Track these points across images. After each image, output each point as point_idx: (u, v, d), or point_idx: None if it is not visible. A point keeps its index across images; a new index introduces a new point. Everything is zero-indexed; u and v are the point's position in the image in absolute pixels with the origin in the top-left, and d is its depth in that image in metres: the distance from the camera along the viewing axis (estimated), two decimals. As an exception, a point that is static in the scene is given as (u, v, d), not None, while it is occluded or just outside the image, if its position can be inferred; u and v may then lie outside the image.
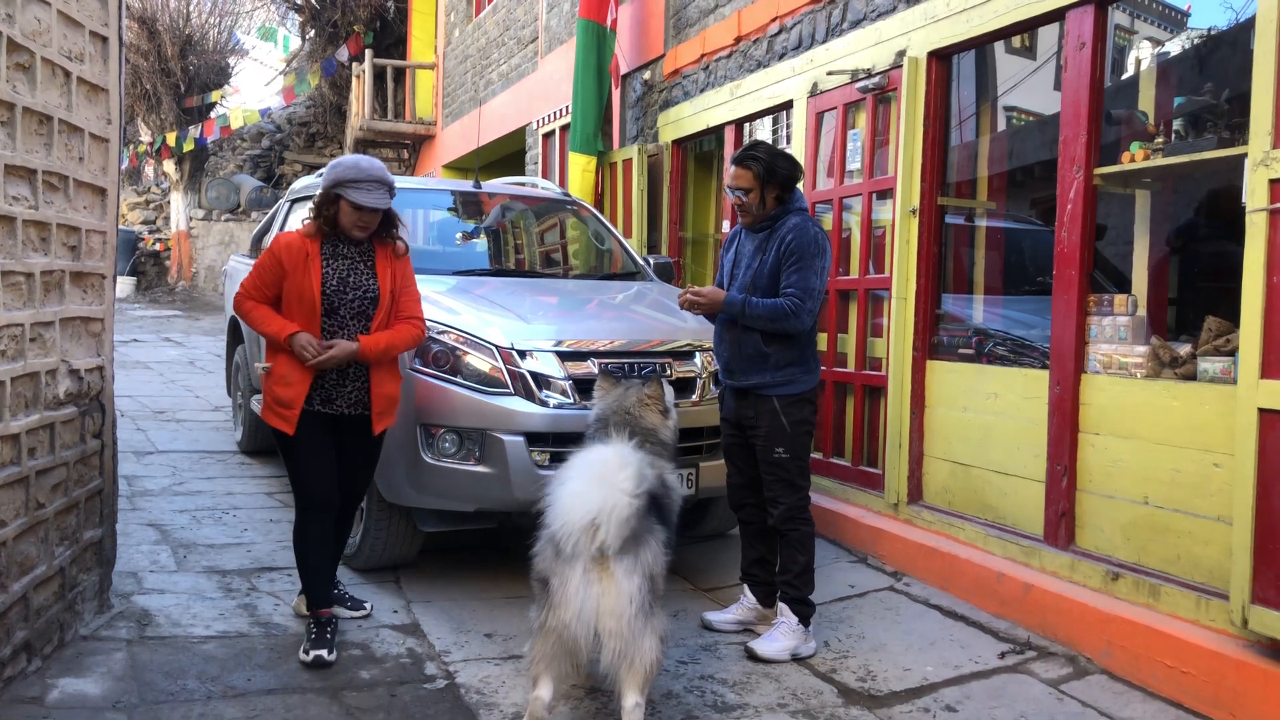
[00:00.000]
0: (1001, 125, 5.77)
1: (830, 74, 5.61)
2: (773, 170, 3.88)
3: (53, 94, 3.36)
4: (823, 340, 5.64)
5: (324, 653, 3.59)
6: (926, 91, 4.97)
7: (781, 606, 3.90)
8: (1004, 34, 4.71)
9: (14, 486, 3.18)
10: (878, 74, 5.27)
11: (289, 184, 19.26)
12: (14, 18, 3.06)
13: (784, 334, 3.85)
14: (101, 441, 3.86)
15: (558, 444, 4.24)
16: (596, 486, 3.00)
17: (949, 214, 5.21)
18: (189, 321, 16.55)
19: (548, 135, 10.63)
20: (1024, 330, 4.93)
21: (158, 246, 21.76)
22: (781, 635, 3.84)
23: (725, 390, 4.14)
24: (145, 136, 21.03)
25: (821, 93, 5.78)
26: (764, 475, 3.92)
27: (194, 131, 19.55)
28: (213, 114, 20.82)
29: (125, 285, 19.70)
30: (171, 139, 19.72)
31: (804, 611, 3.88)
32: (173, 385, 10.08)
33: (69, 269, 3.52)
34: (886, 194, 5.30)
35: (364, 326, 3.73)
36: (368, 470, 3.96)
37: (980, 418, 4.65)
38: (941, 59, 4.97)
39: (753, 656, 3.79)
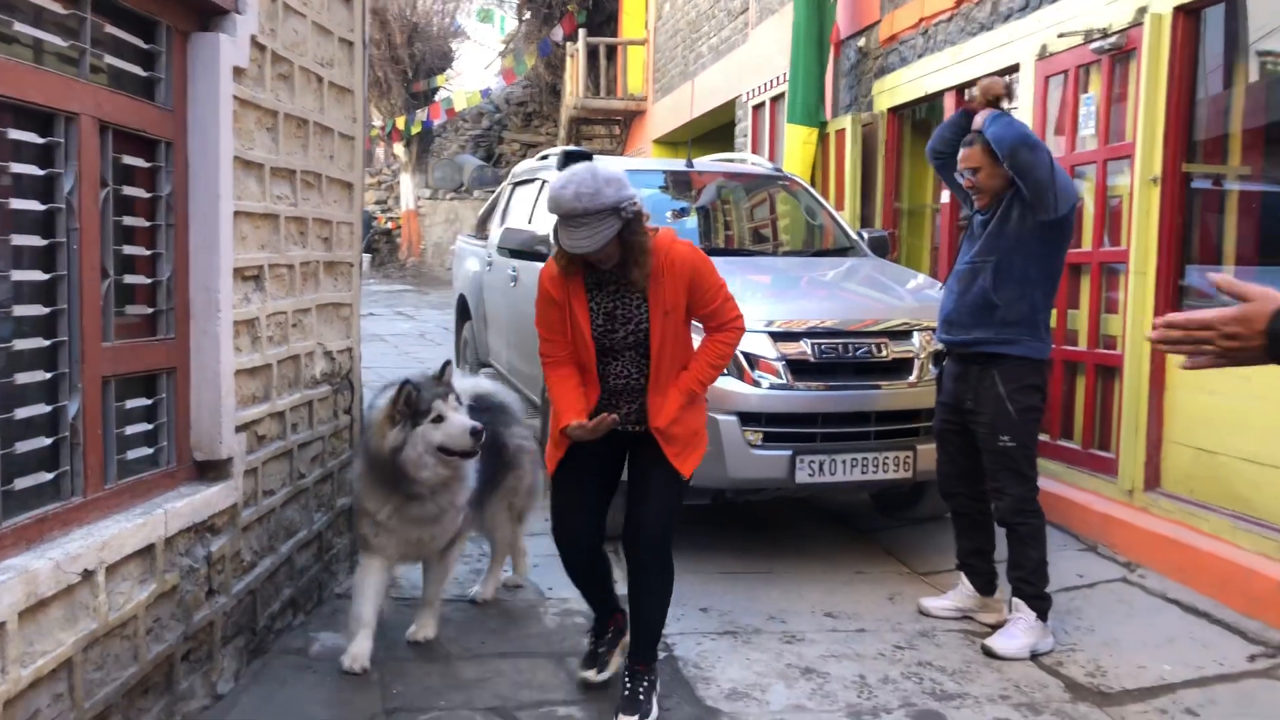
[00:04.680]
0: (1255, 74, 5.26)
1: (1061, 35, 5.30)
2: None
3: (308, 99, 3.66)
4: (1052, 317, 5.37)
5: (590, 674, 3.34)
6: (1171, 50, 4.61)
7: (1017, 602, 3.76)
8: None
9: (281, 459, 3.53)
10: (1115, 33, 4.92)
11: (508, 162, 20.08)
12: (276, 32, 3.35)
13: (1032, 175, 3.58)
14: (351, 417, 4.21)
15: (770, 424, 4.27)
16: None
17: (1195, 178, 4.83)
18: (419, 296, 17.59)
19: (758, 107, 10.57)
20: (1282, 306, 4.51)
21: (390, 225, 23.22)
22: (1021, 632, 3.71)
23: (944, 370, 4.02)
24: (377, 121, 22.42)
25: (1051, 55, 5.46)
26: (987, 465, 3.78)
27: (421, 115, 20.69)
28: (437, 97, 21.94)
29: (363, 262, 21.18)
30: (401, 123, 20.95)
31: (1041, 606, 3.73)
32: (406, 357, 10.76)
33: (322, 259, 3.85)
34: (1123, 160, 4.97)
35: (642, 360, 3.13)
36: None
37: (1230, 401, 4.31)
38: (1189, 13, 4.59)
39: (990, 653, 3.67)
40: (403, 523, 3.39)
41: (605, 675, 3.33)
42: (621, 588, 3.38)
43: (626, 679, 3.18)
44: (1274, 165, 5.27)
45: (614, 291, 3.10)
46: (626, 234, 2.95)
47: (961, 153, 3.84)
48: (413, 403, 3.23)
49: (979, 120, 3.73)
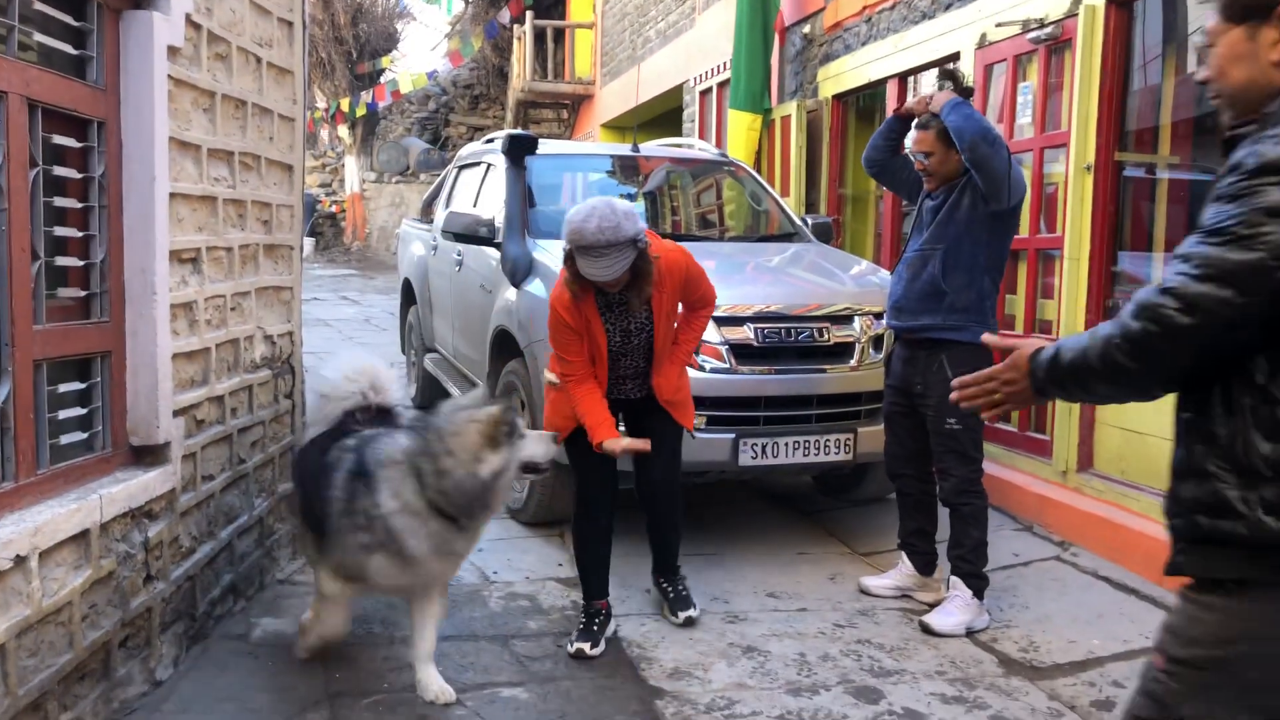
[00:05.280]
0: (1192, 65, 5.40)
1: (1000, 25, 5.39)
2: None
3: (246, 80, 3.61)
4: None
5: (585, 645, 3.48)
6: (1104, 41, 4.72)
7: (954, 580, 3.85)
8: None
9: (220, 443, 3.49)
10: (1051, 24, 5.02)
11: (455, 146, 19.89)
12: (212, 11, 3.30)
13: (987, 167, 3.60)
14: (292, 401, 4.17)
15: (714, 408, 4.30)
16: None
17: (1128, 167, 4.95)
18: (364, 280, 17.39)
19: (705, 92, 10.59)
20: (1208, 292, 4.64)
21: (334, 209, 22.90)
22: (957, 609, 3.80)
23: (893, 353, 4.09)
24: (321, 103, 22.08)
25: (990, 44, 5.56)
26: (934, 446, 3.86)
27: (366, 97, 20.39)
28: (382, 79, 21.65)
29: (305, 246, 20.86)
30: (345, 104, 20.64)
31: (978, 585, 3.83)
32: (351, 342, 10.65)
33: (262, 242, 3.80)
34: (1059, 149, 5.08)
35: (648, 353, 3.54)
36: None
37: (1157, 384, 4.44)
38: (1121, 6, 4.70)
39: (927, 630, 3.76)
40: (439, 557, 3.04)
41: (599, 650, 3.52)
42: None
43: (668, 586, 3.83)
44: (1203, 154, 5.42)
45: (624, 310, 3.45)
46: (639, 262, 3.28)
47: (915, 135, 3.87)
48: (512, 423, 3.04)
49: (938, 103, 3.75)
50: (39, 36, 2.59)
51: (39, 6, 2.58)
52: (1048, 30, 5.04)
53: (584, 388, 3.42)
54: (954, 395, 1.87)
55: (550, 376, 3.56)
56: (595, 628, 3.57)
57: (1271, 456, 1.50)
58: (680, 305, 3.57)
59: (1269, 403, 1.52)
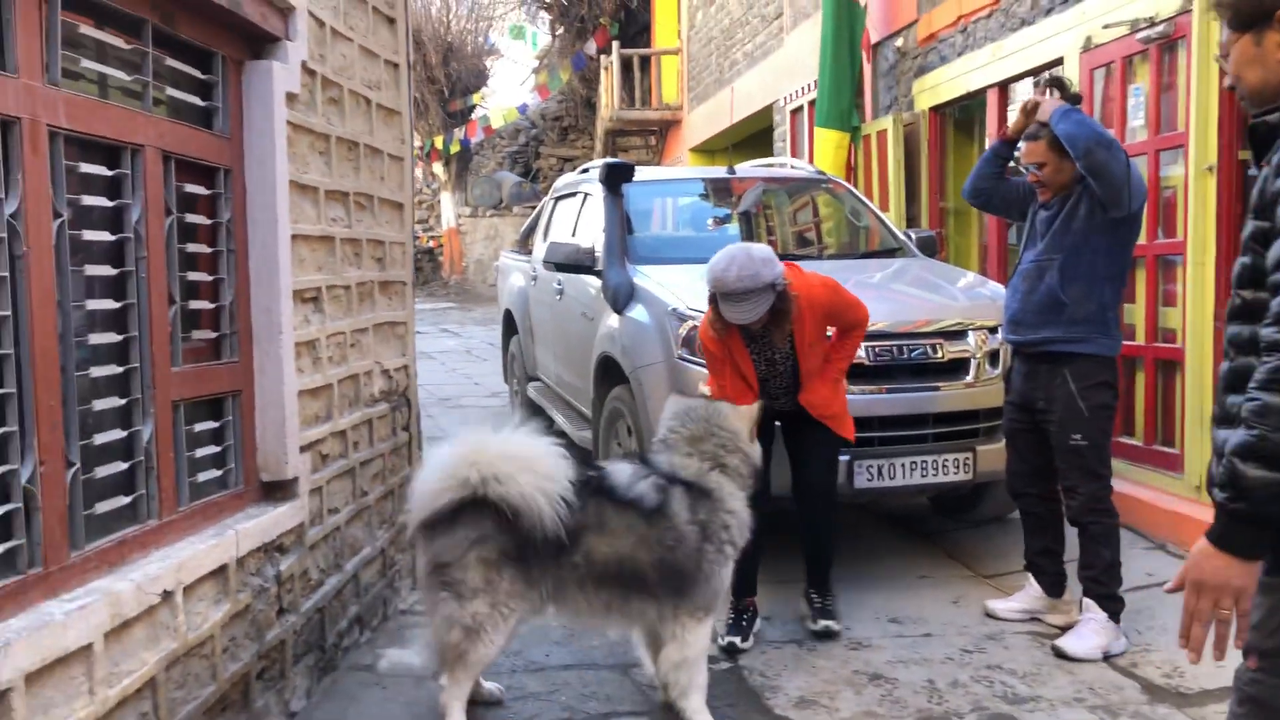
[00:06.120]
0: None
1: (1106, 27, 5.23)
2: None
3: (357, 121, 3.71)
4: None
5: (737, 639, 3.71)
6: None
7: (1088, 603, 3.69)
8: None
9: (343, 477, 3.56)
10: (1161, 22, 4.85)
11: (546, 178, 20.18)
12: (325, 57, 3.40)
13: (1105, 174, 3.48)
14: (409, 433, 4.24)
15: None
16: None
17: (1251, 166, 4.74)
18: (463, 313, 17.72)
19: (795, 111, 10.55)
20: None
21: (431, 244, 23.42)
22: (1092, 633, 3.64)
23: (1013, 369, 3.96)
24: (416, 141, 22.64)
25: (1096, 47, 5.39)
26: (1059, 464, 3.72)
27: (458, 134, 20.88)
28: (474, 115, 22.13)
29: (404, 281, 21.34)
30: (439, 142, 21.16)
31: (1113, 607, 3.66)
32: (454, 373, 10.85)
33: (377, 279, 3.89)
34: (1176, 150, 4.89)
35: (795, 374, 3.75)
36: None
37: (1297, 391, 4.21)
38: (1239, -3, 4.51)
39: (1061, 655, 3.61)
40: None
41: (749, 644, 3.73)
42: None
43: (817, 598, 3.87)
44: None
45: (767, 342, 3.68)
46: (777, 303, 3.50)
47: (1025, 147, 3.76)
48: None
49: (1045, 111, 3.64)
50: (170, 91, 2.70)
51: (170, 63, 2.70)
52: (1159, 29, 4.87)
53: (747, 398, 3.57)
54: (1191, 657, 1.68)
55: (705, 390, 3.82)
56: (744, 622, 3.75)
57: None
58: (832, 329, 3.75)
59: None
